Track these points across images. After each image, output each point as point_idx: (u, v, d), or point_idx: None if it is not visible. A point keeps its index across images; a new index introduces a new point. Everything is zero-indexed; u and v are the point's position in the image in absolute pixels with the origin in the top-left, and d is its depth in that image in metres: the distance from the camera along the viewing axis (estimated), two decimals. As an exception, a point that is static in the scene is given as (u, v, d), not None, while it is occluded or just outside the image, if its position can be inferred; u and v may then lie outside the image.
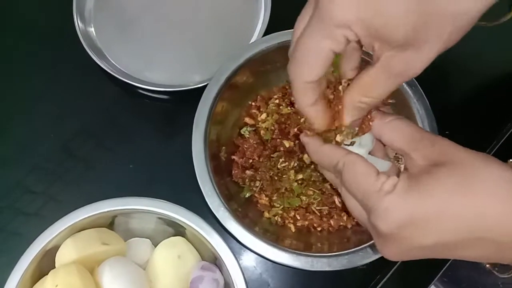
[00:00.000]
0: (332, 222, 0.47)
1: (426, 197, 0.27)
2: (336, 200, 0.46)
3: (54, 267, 0.39)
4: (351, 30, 0.27)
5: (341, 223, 0.47)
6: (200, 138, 0.45)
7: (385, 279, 0.48)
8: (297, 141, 0.46)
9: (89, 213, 0.40)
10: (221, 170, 0.47)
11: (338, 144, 0.34)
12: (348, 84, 0.33)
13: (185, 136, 0.47)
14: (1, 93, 0.55)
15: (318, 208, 0.47)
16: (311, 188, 0.46)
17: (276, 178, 0.47)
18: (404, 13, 0.26)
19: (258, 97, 0.51)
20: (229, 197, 0.45)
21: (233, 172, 0.49)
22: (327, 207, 0.47)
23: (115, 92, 0.55)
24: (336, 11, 0.27)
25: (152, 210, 0.41)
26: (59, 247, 0.40)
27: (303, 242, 0.46)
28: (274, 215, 0.48)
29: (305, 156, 0.46)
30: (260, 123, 0.50)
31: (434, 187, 0.27)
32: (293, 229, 0.47)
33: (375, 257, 0.41)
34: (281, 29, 0.48)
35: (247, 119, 0.51)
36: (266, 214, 0.48)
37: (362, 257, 0.42)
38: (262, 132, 0.49)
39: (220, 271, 0.42)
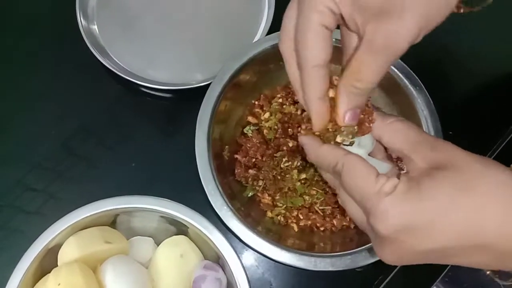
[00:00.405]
0: (335, 222, 0.47)
1: (426, 200, 0.27)
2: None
3: (57, 266, 0.39)
4: (332, 0, 0.28)
5: (344, 223, 0.47)
6: (204, 137, 0.45)
7: (387, 280, 0.48)
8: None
9: (92, 211, 0.40)
10: (224, 169, 0.47)
11: (337, 144, 0.33)
12: None
13: (187, 135, 0.47)
14: (3, 91, 0.55)
15: (321, 207, 0.47)
16: (314, 188, 0.46)
17: (279, 177, 0.46)
18: None
19: (262, 96, 0.51)
20: (232, 196, 0.45)
21: (236, 171, 0.49)
22: (330, 207, 0.47)
23: (117, 90, 0.55)
24: None
25: (155, 208, 0.41)
26: (62, 245, 0.40)
27: (306, 242, 0.45)
28: (277, 215, 0.47)
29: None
30: (263, 122, 0.50)
31: (434, 191, 0.27)
32: (296, 229, 0.47)
33: (378, 257, 0.41)
34: (285, 28, 0.48)
35: (250, 118, 0.51)
36: (269, 214, 0.48)
37: (365, 257, 0.42)
38: (265, 131, 0.49)
39: (223, 270, 0.42)
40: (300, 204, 0.47)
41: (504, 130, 0.54)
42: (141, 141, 0.53)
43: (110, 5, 0.58)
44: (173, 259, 0.42)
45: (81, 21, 0.55)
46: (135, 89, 0.55)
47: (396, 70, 0.47)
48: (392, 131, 0.32)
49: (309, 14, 0.29)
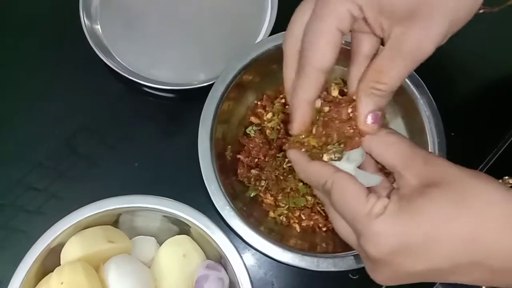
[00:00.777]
0: (337, 222, 0.47)
1: (418, 220, 0.26)
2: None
3: (59, 265, 0.39)
4: (353, 3, 0.27)
5: (347, 224, 0.47)
6: (206, 137, 0.45)
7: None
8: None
9: (95, 210, 0.40)
10: (226, 169, 0.47)
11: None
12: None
13: (190, 135, 0.47)
14: (5, 90, 0.55)
15: (323, 208, 0.47)
16: (316, 188, 0.46)
17: (281, 177, 0.46)
18: None
19: (264, 96, 0.51)
20: (234, 196, 0.45)
21: (238, 171, 0.49)
22: (332, 207, 0.47)
23: (119, 90, 0.55)
24: None
25: (158, 208, 0.41)
26: (64, 244, 0.40)
27: (308, 242, 0.45)
28: (279, 215, 0.48)
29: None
30: (265, 122, 0.50)
31: (426, 210, 0.26)
32: (298, 229, 0.47)
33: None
34: (288, 29, 0.48)
35: (252, 118, 0.51)
36: (271, 214, 0.48)
37: (368, 258, 0.42)
38: (267, 131, 0.49)
39: (225, 270, 0.42)
40: (302, 205, 0.47)
41: (507, 131, 0.54)
42: (143, 140, 0.53)
43: (113, 5, 0.58)
44: (175, 258, 0.42)
45: (84, 20, 0.55)
46: (138, 88, 0.55)
47: (399, 71, 0.47)
48: (383, 144, 0.31)
49: (327, 16, 0.28)
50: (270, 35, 0.54)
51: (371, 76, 0.29)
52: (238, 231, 0.42)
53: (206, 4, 0.58)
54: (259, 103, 0.51)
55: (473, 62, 0.58)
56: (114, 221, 0.43)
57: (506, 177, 0.45)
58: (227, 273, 0.42)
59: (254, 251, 0.45)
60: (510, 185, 0.44)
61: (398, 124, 0.50)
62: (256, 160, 0.48)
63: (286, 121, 0.48)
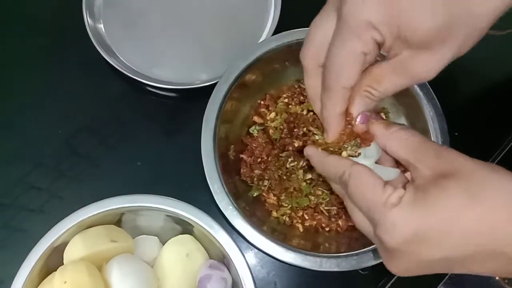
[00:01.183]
0: (340, 222, 0.47)
1: (434, 209, 0.27)
2: (345, 200, 0.46)
3: (62, 264, 0.39)
4: (377, 31, 0.28)
5: (350, 224, 0.46)
6: (210, 136, 0.45)
7: (392, 281, 0.48)
8: (306, 141, 0.46)
9: (98, 210, 0.40)
10: (229, 169, 0.47)
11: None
12: None
13: (192, 134, 0.46)
14: (8, 89, 0.55)
15: (326, 208, 0.47)
16: (319, 188, 0.46)
17: (284, 177, 0.46)
18: (431, 14, 0.26)
19: (267, 96, 0.51)
20: (237, 196, 0.45)
21: (241, 170, 0.49)
22: (335, 207, 0.47)
23: (122, 89, 0.55)
24: (362, 13, 0.28)
25: (161, 207, 0.41)
26: (67, 243, 0.40)
27: (311, 242, 0.45)
28: (282, 215, 0.47)
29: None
30: (269, 122, 0.50)
31: (442, 200, 0.27)
32: (301, 229, 0.47)
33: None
34: (291, 28, 0.48)
35: (255, 118, 0.51)
36: (274, 214, 0.48)
37: (371, 258, 0.42)
38: (270, 131, 0.49)
39: (228, 270, 0.42)
40: (305, 204, 0.46)
41: (511, 130, 0.54)
42: (145, 140, 0.53)
43: (116, 4, 0.58)
44: (179, 258, 0.42)
45: (87, 19, 0.55)
46: (140, 88, 0.55)
47: (402, 71, 0.47)
48: (396, 139, 0.32)
49: (352, 40, 0.29)
50: (273, 34, 0.54)
51: (368, 81, 0.31)
52: (241, 231, 0.42)
53: (209, 3, 0.58)
54: (262, 102, 0.51)
55: (477, 62, 0.58)
56: (117, 220, 0.43)
57: None
58: (230, 272, 0.42)
59: (257, 250, 0.45)
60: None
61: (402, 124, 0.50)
62: (259, 159, 0.48)
63: (289, 120, 0.48)
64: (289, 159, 0.46)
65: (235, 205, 0.43)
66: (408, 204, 0.27)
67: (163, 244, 0.44)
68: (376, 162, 0.34)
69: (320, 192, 0.46)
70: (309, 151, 0.36)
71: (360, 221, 0.32)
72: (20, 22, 0.58)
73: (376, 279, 0.48)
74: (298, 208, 0.47)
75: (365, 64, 0.30)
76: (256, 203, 0.48)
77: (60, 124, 0.53)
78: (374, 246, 0.42)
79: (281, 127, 0.48)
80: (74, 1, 0.55)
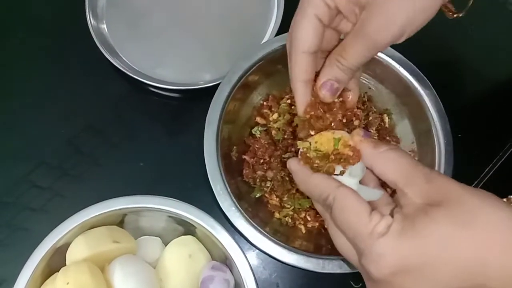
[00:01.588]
0: (343, 224, 0.46)
1: (422, 240, 0.26)
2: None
3: (65, 265, 0.39)
4: None
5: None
6: (212, 137, 0.44)
7: None
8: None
9: (100, 210, 0.40)
10: (232, 170, 0.47)
11: (327, 172, 0.32)
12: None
13: (195, 135, 0.46)
14: (11, 89, 0.55)
15: (329, 209, 0.47)
16: (322, 189, 0.46)
17: (287, 178, 0.46)
18: None
19: (270, 97, 0.51)
20: (240, 197, 0.45)
21: (244, 171, 0.49)
22: (338, 209, 0.46)
23: (125, 89, 0.55)
24: None
25: (163, 208, 0.41)
26: (70, 244, 0.40)
27: (313, 244, 0.45)
28: (285, 216, 0.47)
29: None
30: (271, 123, 0.50)
31: (430, 229, 0.26)
32: (303, 230, 0.47)
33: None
34: (294, 29, 0.48)
35: (258, 119, 0.51)
36: (277, 215, 0.48)
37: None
38: (273, 132, 0.49)
39: (231, 271, 0.42)
40: (308, 206, 0.46)
41: (513, 134, 0.54)
42: (148, 140, 0.53)
43: (119, 5, 0.58)
44: (181, 259, 0.42)
45: (91, 20, 0.55)
46: (143, 88, 0.55)
47: (406, 72, 0.47)
48: (384, 160, 0.31)
49: (305, 6, 0.32)
50: (276, 35, 0.54)
51: (336, 50, 0.33)
52: (243, 232, 0.42)
53: (212, 4, 0.58)
54: (265, 103, 0.51)
55: (481, 64, 0.58)
56: (120, 221, 0.43)
57: (511, 196, 0.44)
58: (232, 274, 0.42)
59: (259, 252, 0.45)
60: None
61: (405, 125, 0.49)
62: (262, 161, 0.48)
63: (292, 122, 0.48)
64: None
65: (238, 206, 0.43)
66: (395, 234, 0.26)
67: (166, 245, 0.44)
68: (359, 182, 0.33)
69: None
70: (292, 166, 0.34)
71: (343, 246, 0.31)
72: (23, 22, 0.58)
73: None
74: (300, 209, 0.47)
75: (320, 31, 0.32)
76: (259, 204, 0.48)
77: (63, 123, 0.53)
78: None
79: (284, 128, 0.48)
80: (77, 2, 0.56)
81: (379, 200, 0.32)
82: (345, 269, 0.42)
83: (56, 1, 0.59)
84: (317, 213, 0.47)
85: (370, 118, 0.48)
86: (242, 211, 0.43)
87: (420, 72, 0.47)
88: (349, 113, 0.36)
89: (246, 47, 0.54)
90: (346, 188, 0.30)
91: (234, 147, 0.48)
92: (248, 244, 0.43)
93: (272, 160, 0.48)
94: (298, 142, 0.35)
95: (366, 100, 0.50)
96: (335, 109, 0.35)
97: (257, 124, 0.50)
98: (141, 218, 0.43)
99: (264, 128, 0.50)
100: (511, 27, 0.58)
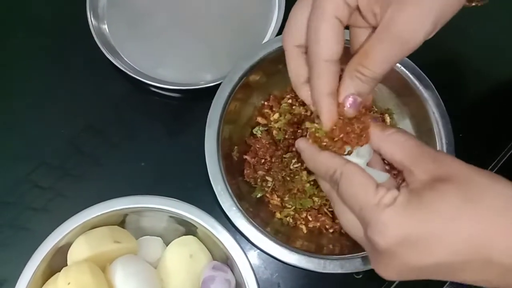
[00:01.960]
0: (344, 224, 0.46)
1: (428, 212, 0.26)
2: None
3: (66, 265, 0.39)
4: None
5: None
6: (213, 137, 0.44)
7: (396, 282, 0.48)
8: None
9: (102, 211, 0.40)
10: (233, 170, 0.47)
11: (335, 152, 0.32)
12: None
13: (196, 135, 0.46)
14: (12, 89, 0.55)
15: (330, 209, 0.47)
16: (323, 189, 0.46)
17: (288, 178, 0.46)
18: None
19: (271, 96, 0.51)
20: (241, 197, 0.45)
21: (245, 171, 0.49)
22: (339, 209, 0.46)
23: (126, 89, 0.55)
24: None
25: (164, 208, 0.41)
26: (71, 244, 0.40)
27: (314, 244, 0.45)
28: (286, 216, 0.47)
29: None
30: (272, 123, 0.50)
31: (437, 202, 0.26)
32: (304, 230, 0.47)
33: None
34: (295, 29, 0.48)
35: (259, 119, 0.51)
36: (278, 215, 0.48)
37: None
38: (274, 132, 0.49)
39: (232, 271, 0.42)
40: (309, 206, 0.46)
41: (515, 133, 0.54)
42: (149, 140, 0.53)
43: (120, 5, 0.58)
44: (182, 259, 0.42)
45: (92, 20, 0.55)
46: (144, 88, 0.55)
47: (407, 72, 0.47)
48: (391, 142, 0.31)
49: (324, 5, 0.29)
50: (277, 35, 0.54)
51: (357, 58, 0.29)
52: (244, 232, 0.42)
53: (213, 4, 0.58)
54: (266, 103, 0.51)
55: (482, 63, 0.58)
56: (121, 221, 0.43)
57: None
58: (233, 274, 0.42)
59: (260, 252, 0.45)
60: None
61: (406, 125, 0.50)
62: (263, 161, 0.48)
63: (293, 121, 0.48)
64: (293, 160, 0.46)
65: (239, 206, 0.43)
66: (401, 205, 0.26)
67: (167, 245, 0.44)
68: (367, 164, 0.33)
69: (324, 194, 0.46)
70: (301, 144, 0.34)
71: (349, 221, 0.31)
72: (23, 22, 0.58)
73: (380, 281, 0.48)
74: (301, 209, 0.47)
75: (343, 35, 0.29)
76: (260, 204, 0.48)
77: (64, 123, 0.53)
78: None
79: (285, 128, 0.48)
80: (78, 2, 0.56)
81: (384, 183, 0.32)
82: (346, 269, 0.42)
83: (56, 1, 0.59)
84: (318, 213, 0.47)
85: (372, 118, 0.48)
86: (243, 211, 0.43)
87: (422, 72, 0.47)
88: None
89: (247, 47, 0.54)
90: (353, 164, 0.30)
91: (235, 147, 0.48)
92: (249, 244, 0.43)
93: (273, 160, 0.48)
94: (307, 123, 0.34)
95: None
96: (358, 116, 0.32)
97: (258, 124, 0.50)
98: (142, 218, 0.43)
99: (265, 128, 0.50)
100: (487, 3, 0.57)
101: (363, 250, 0.42)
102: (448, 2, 0.27)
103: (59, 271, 0.38)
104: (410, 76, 0.47)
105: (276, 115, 0.50)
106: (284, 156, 0.47)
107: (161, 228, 0.44)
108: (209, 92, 0.47)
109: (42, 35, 0.57)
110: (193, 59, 0.56)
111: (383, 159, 0.33)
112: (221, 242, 0.40)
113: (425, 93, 0.46)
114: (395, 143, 0.30)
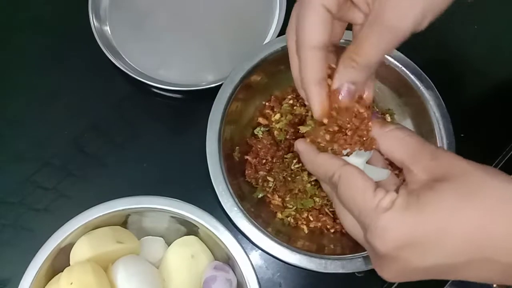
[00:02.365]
0: (345, 224, 0.46)
1: (426, 214, 0.26)
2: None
3: (69, 265, 0.40)
4: None
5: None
6: (215, 138, 0.45)
7: (396, 284, 0.48)
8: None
9: (104, 211, 0.41)
10: (234, 170, 0.47)
11: (334, 153, 0.32)
12: None
13: (198, 135, 0.47)
14: (15, 90, 0.56)
15: (331, 209, 0.47)
16: (324, 190, 0.46)
17: (289, 179, 0.46)
18: None
19: (272, 97, 0.51)
20: (242, 197, 0.45)
21: (246, 172, 0.49)
22: (340, 209, 0.46)
23: (128, 90, 0.55)
24: None
25: (166, 209, 0.41)
26: (74, 244, 0.40)
27: (315, 244, 0.45)
28: (287, 216, 0.47)
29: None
30: (273, 123, 0.50)
31: (435, 204, 0.26)
32: (306, 231, 0.47)
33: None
34: (296, 29, 0.48)
35: (260, 119, 0.51)
36: (279, 215, 0.48)
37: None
38: (275, 132, 0.49)
39: (233, 271, 0.42)
40: (310, 206, 0.46)
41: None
42: (151, 141, 0.54)
43: (122, 7, 0.58)
44: (184, 259, 0.42)
45: (94, 22, 0.55)
46: (146, 89, 0.55)
47: (408, 72, 0.47)
48: (391, 139, 0.30)
49: None
50: (278, 36, 0.54)
51: (349, 48, 0.29)
52: (245, 232, 0.42)
53: (215, 5, 0.58)
54: (267, 104, 0.51)
55: (483, 63, 0.58)
56: (123, 221, 0.43)
57: None
58: (235, 274, 0.42)
59: (261, 252, 0.45)
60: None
61: (407, 125, 0.49)
62: (264, 161, 0.48)
63: (294, 122, 0.48)
64: (294, 161, 0.46)
65: (240, 207, 0.43)
66: (400, 208, 0.26)
67: (169, 245, 0.44)
68: (367, 162, 0.33)
69: (324, 194, 0.46)
70: (300, 146, 0.34)
71: (350, 224, 0.31)
72: (25, 23, 0.58)
73: (382, 281, 0.48)
74: (303, 209, 0.47)
75: (329, 23, 0.29)
76: (261, 205, 0.48)
77: (67, 124, 0.54)
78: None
79: (286, 128, 0.48)
80: (80, 4, 0.56)
81: (386, 181, 0.32)
82: (348, 269, 0.42)
83: (58, 2, 0.59)
84: (319, 213, 0.47)
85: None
86: (245, 212, 0.43)
87: (423, 72, 0.47)
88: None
89: (248, 47, 0.54)
90: (351, 166, 0.30)
91: (237, 147, 0.49)
92: (250, 244, 0.43)
93: (274, 161, 0.48)
94: (301, 127, 0.34)
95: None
96: (356, 109, 0.32)
97: (259, 124, 0.51)
98: (144, 219, 0.44)
99: (266, 129, 0.50)
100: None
101: (365, 250, 0.42)
102: None
103: (62, 271, 0.38)
104: (411, 76, 0.47)
105: (277, 116, 0.50)
106: (285, 156, 0.47)
107: (163, 229, 0.45)
108: (211, 93, 0.47)
109: (44, 36, 0.58)
110: (194, 60, 0.56)
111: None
112: (222, 242, 0.40)
113: (426, 93, 0.46)
114: (394, 139, 0.30)
